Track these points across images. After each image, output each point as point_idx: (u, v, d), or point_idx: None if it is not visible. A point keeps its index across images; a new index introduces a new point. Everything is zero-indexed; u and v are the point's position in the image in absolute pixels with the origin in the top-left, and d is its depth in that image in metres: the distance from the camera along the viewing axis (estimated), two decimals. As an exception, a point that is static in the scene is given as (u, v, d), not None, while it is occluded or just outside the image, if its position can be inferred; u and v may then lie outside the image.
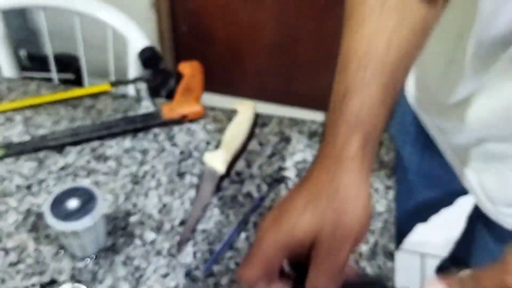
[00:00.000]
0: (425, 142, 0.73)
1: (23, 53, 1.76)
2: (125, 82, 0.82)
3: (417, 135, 0.74)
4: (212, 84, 2.18)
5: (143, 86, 0.79)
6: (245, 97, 2.12)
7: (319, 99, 2.13)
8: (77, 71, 1.62)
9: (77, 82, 1.66)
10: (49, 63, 1.56)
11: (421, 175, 0.78)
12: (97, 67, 1.44)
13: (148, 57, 0.83)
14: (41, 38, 1.97)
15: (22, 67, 1.70)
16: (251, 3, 1.83)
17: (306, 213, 0.40)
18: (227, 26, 1.93)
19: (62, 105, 0.77)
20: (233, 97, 2.13)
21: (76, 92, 0.78)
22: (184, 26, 1.96)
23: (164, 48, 1.96)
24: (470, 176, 0.65)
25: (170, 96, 0.80)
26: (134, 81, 0.79)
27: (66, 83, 1.48)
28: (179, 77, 0.81)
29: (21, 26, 1.80)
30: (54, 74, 1.04)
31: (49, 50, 1.01)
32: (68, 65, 1.64)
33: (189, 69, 0.81)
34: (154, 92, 0.81)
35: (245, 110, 0.77)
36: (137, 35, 0.88)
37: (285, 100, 2.11)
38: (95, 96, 0.79)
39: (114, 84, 0.79)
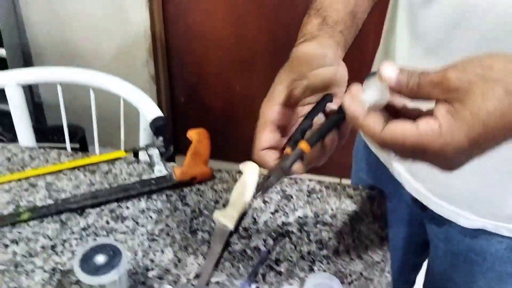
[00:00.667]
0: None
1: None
2: (140, 149, 0.89)
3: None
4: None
5: (155, 151, 0.86)
6: (239, 162, 2.19)
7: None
8: (81, 140, 1.70)
9: (83, 150, 1.73)
10: (53, 134, 1.64)
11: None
12: (101, 135, 1.53)
13: (159, 126, 0.91)
14: (45, 111, 2.06)
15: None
16: (244, 73, 1.96)
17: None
18: (221, 96, 2.04)
19: (81, 171, 0.84)
20: (228, 162, 2.21)
21: (93, 158, 0.85)
22: (182, 97, 2.07)
23: (162, 117, 2.05)
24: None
25: (170, 159, 0.89)
26: (147, 147, 0.87)
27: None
28: (187, 142, 0.89)
29: (27, 100, 1.90)
30: (67, 145, 1.11)
31: (64, 121, 1.09)
32: (74, 134, 1.72)
33: (197, 136, 0.89)
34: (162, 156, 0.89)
35: (250, 170, 0.84)
36: (149, 106, 0.97)
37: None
38: (111, 161, 0.86)
39: (129, 151, 0.86)
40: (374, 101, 0.45)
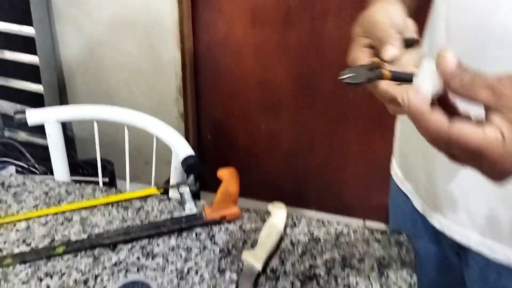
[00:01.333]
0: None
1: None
2: (171, 186, 0.92)
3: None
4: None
5: (186, 190, 0.89)
6: (263, 200, 2.21)
7: (330, 202, 2.22)
8: (111, 174, 1.75)
9: (111, 184, 1.77)
10: (84, 168, 1.68)
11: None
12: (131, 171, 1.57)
13: (191, 165, 0.94)
14: (74, 146, 2.13)
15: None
16: (270, 115, 1.99)
17: None
18: (247, 135, 2.08)
19: (114, 207, 0.87)
20: (252, 200, 2.22)
21: (126, 195, 0.88)
22: (208, 135, 2.12)
23: (189, 154, 2.09)
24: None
25: (196, 196, 0.91)
26: (178, 185, 0.89)
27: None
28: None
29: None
30: (100, 179, 1.14)
31: (98, 156, 1.13)
32: (104, 168, 1.77)
33: (228, 175, 0.91)
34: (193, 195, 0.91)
35: (278, 211, 0.85)
36: (181, 145, 1.00)
37: (302, 204, 2.19)
38: (143, 198, 0.89)
39: (161, 188, 0.89)
40: (432, 93, 0.44)
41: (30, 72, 1.86)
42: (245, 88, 1.96)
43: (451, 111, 0.45)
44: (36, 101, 1.90)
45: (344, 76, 0.51)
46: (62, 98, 1.98)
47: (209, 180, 2.29)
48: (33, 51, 1.78)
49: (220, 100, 2.02)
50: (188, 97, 1.95)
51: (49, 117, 1.03)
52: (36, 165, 1.85)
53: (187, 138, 2.03)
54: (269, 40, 1.83)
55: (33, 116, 1.03)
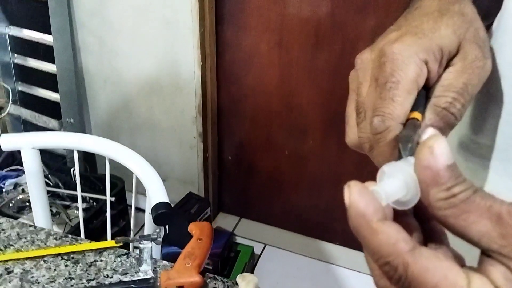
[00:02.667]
0: None
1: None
2: (130, 240, 0.80)
3: None
4: (251, 212, 2.17)
5: (147, 246, 0.77)
6: (283, 228, 2.07)
7: (356, 238, 2.03)
8: (121, 191, 1.68)
9: (119, 202, 1.70)
10: (99, 183, 1.61)
11: None
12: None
13: (160, 214, 0.82)
14: (94, 160, 2.08)
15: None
16: (295, 140, 1.86)
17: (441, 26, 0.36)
18: (270, 160, 1.95)
19: (64, 259, 0.76)
20: (272, 226, 2.09)
21: (80, 246, 0.77)
22: (229, 155, 2.00)
23: (208, 175, 1.99)
24: None
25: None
26: (141, 239, 0.78)
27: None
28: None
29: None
30: (107, 197, 1.05)
31: (107, 174, 1.04)
32: (114, 185, 1.71)
33: (198, 231, 0.79)
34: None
35: (247, 284, 0.72)
36: (156, 188, 0.88)
37: (325, 237, 2.03)
38: (99, 251, 0.78)
39: (119, 242, 0.78)
40: (397, 198, 0.28)
41: (49, 81, 1.82)
42: (269, 111, 1.84)
43: (428, 235, 0.30)
44: (54, 110, 1.87)
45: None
46: (82, 108, 1.93)
47: (228, 202, 2.19)
48: (53, 60, 1.74)
49: (242, 121, 1.90)
50: (208, 116, 1.84)
51: (24, 143, 0.95)
52: (50, 176, 1.81)
53: (205, 158, 1.93)
54: (296, 62, 1.70)
55: (7, 141, 0.95)
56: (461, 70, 0.36)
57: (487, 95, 0.45)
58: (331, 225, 2.00)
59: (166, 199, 0.86)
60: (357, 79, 0.38)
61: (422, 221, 0.30)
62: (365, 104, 0.36)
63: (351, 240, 1.98)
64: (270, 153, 1.94)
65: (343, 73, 1.68)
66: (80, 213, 1.06)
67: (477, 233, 0.25)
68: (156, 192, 0.87)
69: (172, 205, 1.73)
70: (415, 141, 0.32)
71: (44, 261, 0.76)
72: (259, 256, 1.94)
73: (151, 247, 0.77)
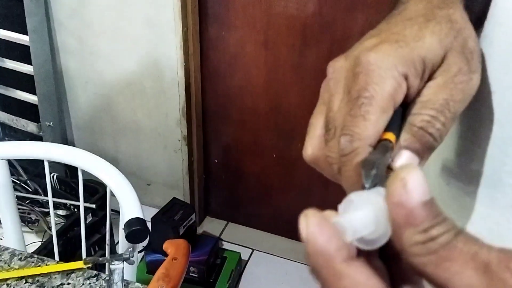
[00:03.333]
0: None
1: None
2: (100, 261, 0.75)
3: None
4: (239, 216, 2.12)
5: (119, 267, 0.71)
6: (271, 232, 2.02)
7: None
8: (101, 198, 1.62)
9: (101, 209, 1.64)
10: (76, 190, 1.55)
11: None
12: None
13: (134, 231, 0.76)
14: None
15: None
16: (283, 143, 1.80)
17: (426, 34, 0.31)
18: (257, 163, 1.90)
19: (29, 282, 0.71)
20: (259, 231, 2.04)
21: (47, 268, 0.72)
22: (215, 159, 1.95)
23: (193, 179, 1.94)
24: None
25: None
26: (112, 259, 0.72)
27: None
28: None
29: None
30: (81, 203, 0.99)
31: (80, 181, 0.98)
32: (95, 191, 1.64)
33: (174, 249, 0.74)
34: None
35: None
36: (131, 203, 0.82)
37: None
38: (67, 273, 0.72)
39: (89, 262, 0.72)
40: (363, 235, 0.22)
41: (27, 83, 1.75)
42: (256, 112, 1.78)
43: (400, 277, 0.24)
44: (33, 112, 1.80)
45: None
46: (62, 111, 1.86)
47: (215, 207, 2.13)
48: (30, 61, 1.67)
49: (228, 124, 1.85)
50: (192, 118, 1.78)
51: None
52: (29, 181, 1.74)
53: (191, 161, 1.87)
54: (283, 63, 1.64)
55: (-29, 152, 0.89)
56: (442, 85, 0.30)
57: (475, 115, 0.39)
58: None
59: (141, 215, 0.80)
60: (329, 90, 0.33)
61: (388, 261, 0.24)
62: (336, 121, 0.31)
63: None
64: (258, 156, 1.89)
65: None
66: (53, 229, 1.00)
67: (460, 286, 0.20)
68: (129, 207, 0.81)
69: (156, 211, 1.69)
70: (382, 166, 0.27)
71: (7, 284, 0.70)
72: (247, 261, 1.89)
73: (123, 267, 0.72)
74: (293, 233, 2.01)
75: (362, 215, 0.22)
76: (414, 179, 0.20)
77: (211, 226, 2.06)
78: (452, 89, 0.30)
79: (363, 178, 0.26)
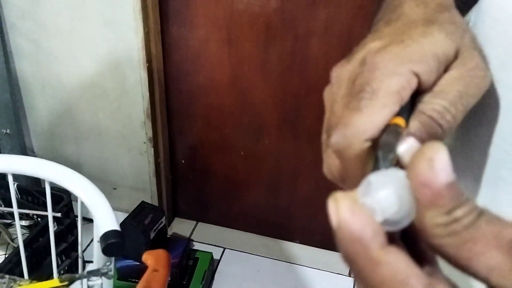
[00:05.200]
0: None
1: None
2: (76, 278, 0.72)
3: None
4: (208, 215, 2.10)
5: (97, 282, 0.69)
6: (242, 230, 2.02)
7: (316, 236, 2.03)
8: (66, 206, 1.57)
9: (66, 217, 1.59)
10: (37, 198, 1.49)
11: None
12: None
13: (110, 244, 0.74)
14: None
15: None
16: (250, 141, 1.80)
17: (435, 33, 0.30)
18: (225, 162, 1.88)
19: (1, 306, 0.67)
20: (231, 229, 2.04)
21: (20, 289, 0.69)
22: (182, 159, 1.92)
23: (160, 180, 1.90)
24: None
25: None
26: (89, 275, 0.70)
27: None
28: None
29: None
30: (49, 213, 0.95)
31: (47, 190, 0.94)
32: (59, 199, 1.59)
33: (154, 261, 0.72)
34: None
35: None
36: (105, 214, 0.80)
37: (284, 236, 2.00)
38: (42, 293, 0.69)
39: (65, 280, 0.69)
40: (389, 216, 0.21)
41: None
42: (222, 110, 1.77)
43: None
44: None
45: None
46: (19, 117, 1.79)
47: (184, 208, 2.11)
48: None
49: (194, 123, 1.82)
50: (157, 120, 1.75)
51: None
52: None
53: (157, 163, 1.84)
54: (247, 60, 1.63)
55: None
56: (457, 77, 0.30)
57: (474, 114, 0.40)
58: (289, 223, 1.97)
59: (116, 227, 0.77)
60: (332, 95, 0.32)
61: (409, 243, 0.24)
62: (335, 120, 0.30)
63: (310, 237, 1.96)
64: (225, 154, 1.87)
65: (296, 69, 1.64)
66: (20, 242, 0.96)
67: (485, 266, 0.19)
68: (104, 219, 0.79)
69: (124, 215, 1.65)
70: (396, 151, 0.26)
71: (-22, 310, 0.67)
72: (219, 260, 1.88)
73: (101, 283, 0.70)
74: (263, 229, 2.01)
75: (386, 195, 0.21)
76: (441, 159, 0.20)
77: (180, 227, 2.04)
78: (468, 82, 0.30)
79: (382, 161, 0.25)
